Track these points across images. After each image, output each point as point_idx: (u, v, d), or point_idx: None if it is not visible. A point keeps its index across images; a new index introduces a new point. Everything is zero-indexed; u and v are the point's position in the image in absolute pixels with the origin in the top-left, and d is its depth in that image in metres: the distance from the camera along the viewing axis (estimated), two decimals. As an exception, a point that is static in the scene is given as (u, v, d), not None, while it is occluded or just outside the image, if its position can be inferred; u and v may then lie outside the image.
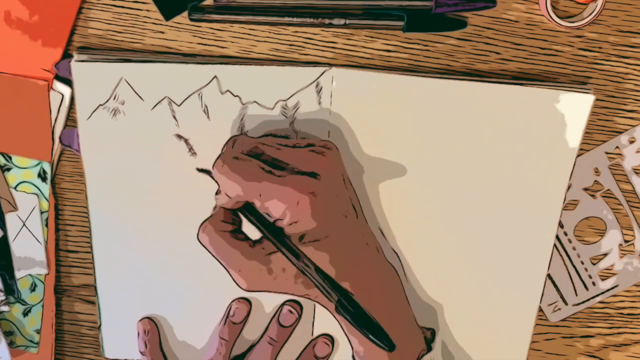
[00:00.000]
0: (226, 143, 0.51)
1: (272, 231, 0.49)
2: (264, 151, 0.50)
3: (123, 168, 0.56)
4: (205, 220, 0.51)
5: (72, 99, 0.55)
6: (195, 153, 0.56)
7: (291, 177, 0.48)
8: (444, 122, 0.55)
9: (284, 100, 0.54)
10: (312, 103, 0.55)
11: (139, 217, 0.57)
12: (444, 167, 0.56)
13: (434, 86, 0.54)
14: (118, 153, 0.55)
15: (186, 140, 0.55)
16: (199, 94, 0.54)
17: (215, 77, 0.54)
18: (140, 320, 0.59)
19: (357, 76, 0.54)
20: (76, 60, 0.54)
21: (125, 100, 0.54)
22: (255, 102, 0.55)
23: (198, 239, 0.51)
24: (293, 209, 0.48)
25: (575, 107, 0.54)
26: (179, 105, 0.55)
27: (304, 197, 0.48)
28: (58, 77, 0.55)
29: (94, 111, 0.55)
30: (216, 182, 0.50)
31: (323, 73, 0.54)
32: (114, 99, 0.54)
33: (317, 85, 0.54)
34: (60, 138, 0.56)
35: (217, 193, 0.51)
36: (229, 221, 0.51)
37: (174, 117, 0.55)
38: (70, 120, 0.56)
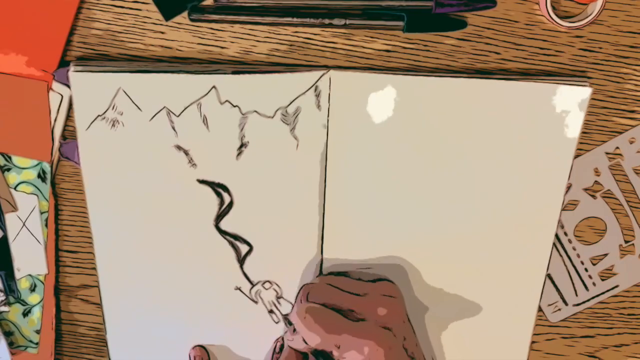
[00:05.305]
0: (299, 293, 0.54)
1: None
2: (337, 302, 0.53)
3: (123, 179, 0.55)
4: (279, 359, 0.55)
5: (71, 99, 0.55)
6: (195, 164, 0.55)
7: (369, 331, 0.51)
8: (443, 121, 0.55)
9: (284, 108, 0.54)
10: (312, 107, 0.54)
11: (140, 229, 0.57)
12: (443, 167, 0.56)
13: (432, 85, 0.54)
14: (117, 164, 0.55)
15: (186, 152, 0.55)
16: (197, 105, 0.54)
17: (213, 87, 0.54)
18: (192, 348, 0.59)
19: (354, 78, 0.54)
20: (74, 71, 0.53)
21: (124, 110, 0.54)
22: (255, 111, 0.54)
23: None
24: (369, 358, 0.50)
25: (573, 101, 0.54)
26: (177, 116, 0.54)
27: (380, 350, 0.50)
28: (57, 78, 0.55)
29: (93, 122, 0.54)
30: (293, 327, 0.53)
31: (321, 76, 0.54)
32: (113, 109, 0.54)
33: (315, 89, 0.54)
34: (60, 151, 0.56)
35: (287, 333, 0.54)
36: None
37: (173, 127, 0.54)
38: (69, 128, 0.56)
